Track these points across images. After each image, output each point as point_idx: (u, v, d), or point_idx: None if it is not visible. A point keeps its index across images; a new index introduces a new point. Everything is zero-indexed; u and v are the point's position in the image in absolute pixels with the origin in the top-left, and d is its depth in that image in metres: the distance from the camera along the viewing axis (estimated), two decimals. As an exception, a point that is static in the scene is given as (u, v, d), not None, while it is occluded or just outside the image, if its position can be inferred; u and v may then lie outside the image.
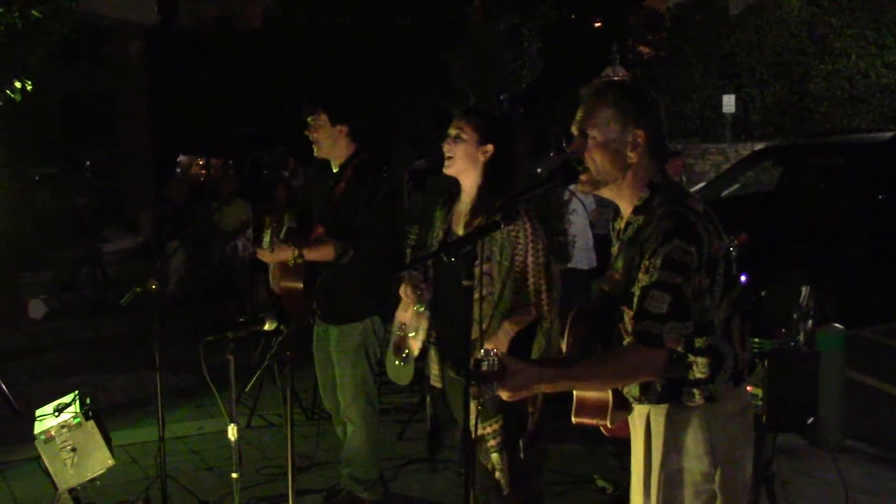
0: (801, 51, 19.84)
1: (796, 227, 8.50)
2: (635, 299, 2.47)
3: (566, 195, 7.01)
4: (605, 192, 2.63)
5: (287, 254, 4.35)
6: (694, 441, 2.55)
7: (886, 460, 5.39)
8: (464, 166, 3.64)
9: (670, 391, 2.54)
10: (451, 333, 3.68)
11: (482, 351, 2.29)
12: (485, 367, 2.26)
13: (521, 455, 3.62)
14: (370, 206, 4.35)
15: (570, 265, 6.96)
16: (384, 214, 4.43)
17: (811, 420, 4.10)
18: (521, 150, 3.91)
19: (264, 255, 4.43)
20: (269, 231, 4.38)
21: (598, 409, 2.58)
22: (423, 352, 3.90)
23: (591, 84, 2.68)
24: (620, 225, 2.67)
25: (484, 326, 3.45)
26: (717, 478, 2.56)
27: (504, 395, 2.33)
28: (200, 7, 32.06)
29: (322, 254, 4.37)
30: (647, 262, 2.43)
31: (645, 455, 2.65)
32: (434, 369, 3.87)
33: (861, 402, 6.29)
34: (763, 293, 7.37)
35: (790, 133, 19.17)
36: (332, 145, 4.49)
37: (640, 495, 2.68)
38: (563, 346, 2.67)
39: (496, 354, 2.28)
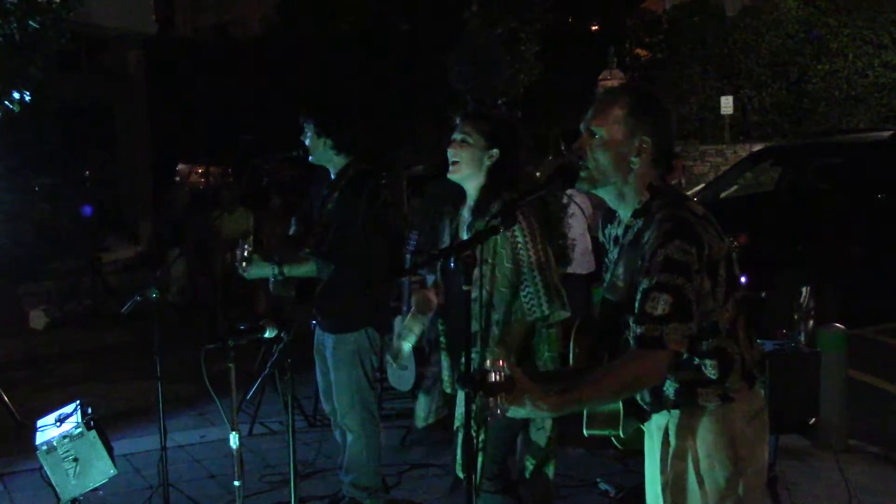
0: (799, 51, 19.85)
1: (796, 227, 8.50)
2: (636, 303, 2.47)
3: (565, 199, 7.01)
4: (602, 194, 2.61)
5: (266, 271, 4.32)
6: (716, 445, 2.52)
7: (890, 460, 5.39)
8: (469, 171, 3.63)
9: (685, 393, 2.51)
10: (459, 340, 3.69)
11: (488, 362, 2.27)
12: (492, 378, 2.24)
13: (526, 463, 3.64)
14: (363, 220, 4.31)
15: (569, 270, 6.95)
16: (379, 225, 4.41)
17: (813, 420, 4.10)
18: (524, 153, 3.90)
19: (242, 272, 4.37)
20: (241, 250, 4.30)
21: (608, 419, 2.55)
22: (427, 357, 3.90)
23: (608, 87, 2.67)
24: (618, 230, 2.67)
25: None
26: (741, 480, 2.52)
27: (508, 411, 2.30)
28: (198, 15, 32.10)
29: (303, 271, 4.35)
30: (647, 265, 2.42)
31: (662, 464, 2.61)
32: (445, 375, 3.87)
33: (863, 401, 6.29)
34: (764, 294, 7.38)
35: (789, 134, 19.18)
36: (322, 155, 4.48)
37: (658, 502, 2.65)
38: (570, 359, 2.65)
39: (504, 366, 2.26)
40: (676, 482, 2.57)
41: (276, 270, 4.27)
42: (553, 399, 2.34)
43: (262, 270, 4.30)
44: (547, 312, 3.50)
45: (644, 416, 2.64)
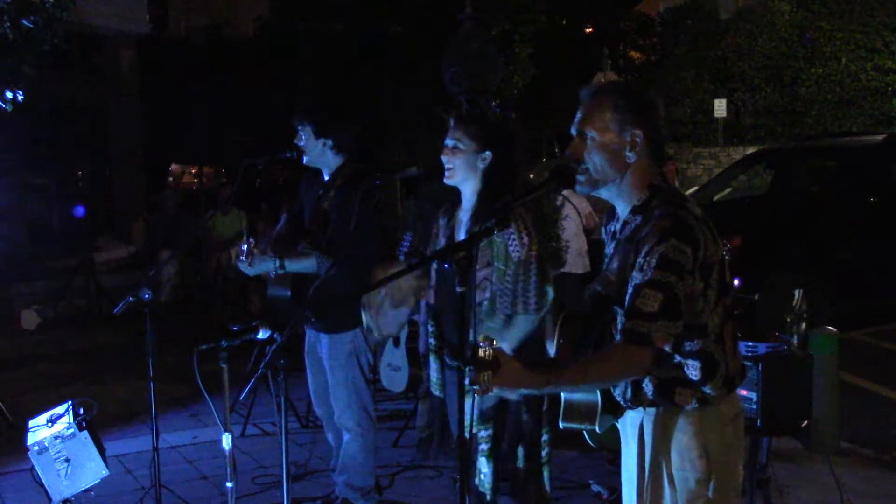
0: (792, 55, 19.91)
1: (789, 230, 8.52)
2: (627, 297, 2.47)
3: (559, 200, 7.01)
4: (604, 193, 2.63)
5: (268, 265, 4.33)
6: (689, 446, 2.55)
7: (881, 462, 5.40)
8: (463, 175, 3.65)
9: (663, 392, 2.54)
10: (451, 342, 3.69)
11: (479, 338, 2.29)
12: (481, 354, 2.27)
13: (519, 465, 3.63)
14: (357, 218, 4.32)
15: (563, 270, 6.95)
16: (372, 225, 4.42)
17: (805, 423, 4.10)
18: (519, 154, 3.92)
19: (245, 268, 4.39)
20: (246, 244, 4.33)
21: (586, 412, 2.57)
22: (420, 358, 3.90)
23: (591, 85, 2.68)
24: (616, 226, 2.67)
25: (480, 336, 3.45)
26: (711, 483, 2.55)
27: (492, 389, 2.33)
28: (191, 16, 32.04)
29: (304, 266, 4.36)
30: (642, 261, 2.44)
31: (639, 462, 2.64)
32: (435, 378, 3.86)
33: (855, 404, 6.30)
34: (756, 297, 7.39)
35: (781, 137, 19.24)
36: (318, 156, 4.48)
37: (632, 501, 2.68)
38: (554, 349, 2.66)
39: (492, 346, 2.28)
40: (651, 478, 2.60)
41: (278, 264, 4.30)
42: (538, 376, 2.39)
43: (264, 265, 4.32)
44: (509, 312, 3.53)
45: (619, 413, 2.66)
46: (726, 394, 2.56)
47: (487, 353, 2.27)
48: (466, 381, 2.30)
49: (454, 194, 3.79)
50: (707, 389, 2.52)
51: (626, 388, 2.59)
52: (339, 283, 4.30)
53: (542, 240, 3.74)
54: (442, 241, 3.80)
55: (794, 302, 8.16)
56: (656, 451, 2.58)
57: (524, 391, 2.43)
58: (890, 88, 19.05)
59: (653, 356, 2.43)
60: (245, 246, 4.29)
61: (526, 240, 3.53)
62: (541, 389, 2.45)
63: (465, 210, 3.73)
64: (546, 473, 3.87)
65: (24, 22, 7.06)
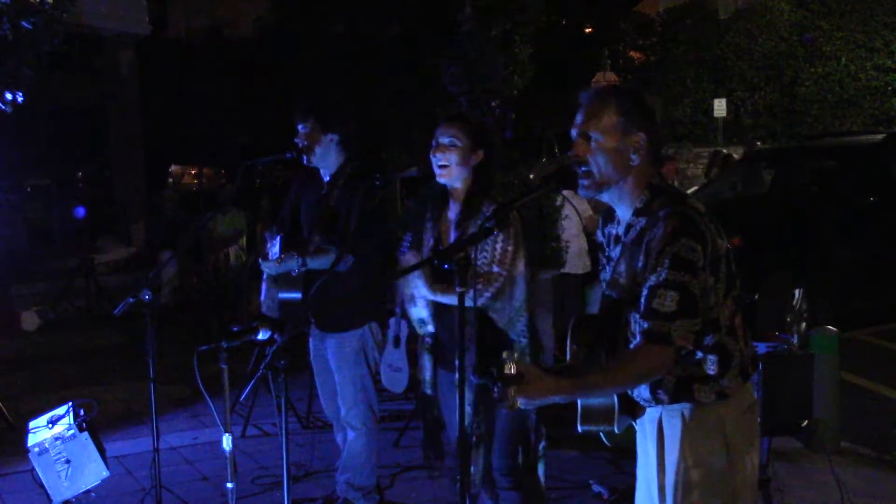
0: (792, 54, 19.91)
1: (789, 229, 8.52)
2: (643, 300, 2.48)
3: (559, 200, 7.02)
4: (605, 197, 2.64)
5: (291, 263, 4.34)
6: (709, 440, 2.56)
7: (882, 462, 5.40)
8: (458, 173, 3.65)
9: (682, 389, 2.55)
10: (447, 341, 3.69)
11: (504, 354, 2.30)
12: (506, 370, 2.27)
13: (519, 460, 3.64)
14: (364, 213, 4.34)
15: (563, 270, 6.95)
16: (377, 222, 4.43)
17: (806, 423, 4.10)
18: (498, 153, 4.01)
19: (270, 266, 4.40)
20: (270, 244, 4.36)
21: (603, 415, 2.58)
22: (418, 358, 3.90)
23: (591, 88, 2.70)
24: (619, 229, 2.68)
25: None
26: (733, 475, 2.56)
27: (519, 403, 2.34)
28: (191, 16, 32.05)
29: (324, 261, 4.37)
30: (654, 262, 2.45)
31: (659, 459, 2.64)
32: (427, 376, 3.87)
33: (855, 403, 6.31)
34: (757, 296, 7.39)
35: (781, 136, 19.24)
36: (323, 153, 4.48)
37: (652, 499, 2.67)
38: (567, 356, 2.67)
39: (514, 360, 2.29)
40: (672, 475, 2.59)
41: (300, 262, 4.30)
42: (563, 384, 2.42)
43: (287, 263, 4.32)
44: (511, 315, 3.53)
45: (637, 413, 2.66)
46: (742, 384, 2.58)
47: (512, 367, 2.28)
48: (495, 395, 2.31)
49: (442, 195, 3.78)
50: (724, 383, 2.54)
51: (645, 387, 2.59)
52: (344, 281, 4.30)
53: (531, 247, 3.74)
54: (430, 242, 3.79)
55: (794, 302, 8.17)
56: (678, 447, 2.59)
57: (552, 399, 2.42)
58: (890, 88, 19.05)
59: (675, 355, 2.45)
60: (276, 247, 4.31)
61: (510, 251, 3.53)
62: (566, 397, 2.45)
63: (453, 209, 3.74)
64: (541, 468, 3.87)
65: (23, 23, 7.07)
